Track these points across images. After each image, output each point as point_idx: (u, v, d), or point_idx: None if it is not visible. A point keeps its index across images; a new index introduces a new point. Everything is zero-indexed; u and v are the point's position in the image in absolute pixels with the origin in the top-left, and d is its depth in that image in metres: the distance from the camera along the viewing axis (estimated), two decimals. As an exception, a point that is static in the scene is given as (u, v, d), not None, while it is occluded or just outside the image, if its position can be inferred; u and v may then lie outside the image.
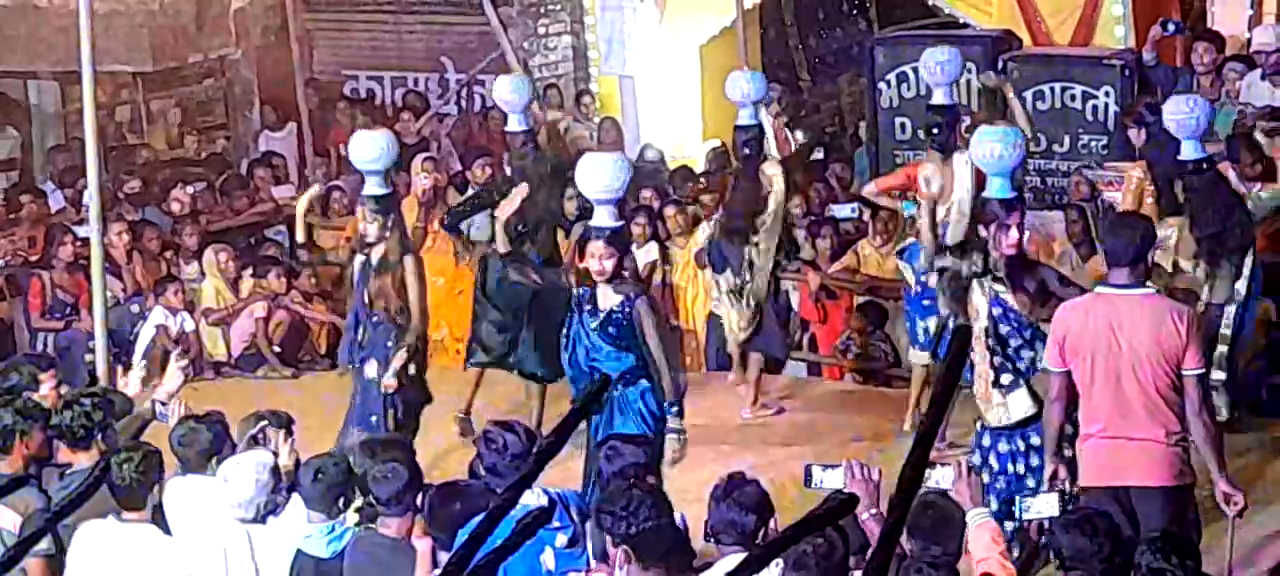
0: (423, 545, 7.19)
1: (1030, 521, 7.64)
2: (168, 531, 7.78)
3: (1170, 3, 15.03)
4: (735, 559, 6.41)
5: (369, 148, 10.24)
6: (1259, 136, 11.91)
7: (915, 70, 14.12)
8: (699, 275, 12.85)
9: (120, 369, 10.86)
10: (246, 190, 15.66)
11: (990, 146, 9.02)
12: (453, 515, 6.95)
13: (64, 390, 9.03)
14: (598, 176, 9.11)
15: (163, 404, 8.67)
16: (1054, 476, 8.07)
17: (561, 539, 6.98)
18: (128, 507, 7.57)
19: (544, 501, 6.94)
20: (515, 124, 11.44)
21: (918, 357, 11.27)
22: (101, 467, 7.58)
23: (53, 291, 13.52)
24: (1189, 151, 10.05)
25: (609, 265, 8.92)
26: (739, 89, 11.75)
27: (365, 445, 8.00)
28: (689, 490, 8.29)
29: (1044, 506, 7.05)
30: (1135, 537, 6.76)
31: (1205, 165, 10.17)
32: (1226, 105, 13.22)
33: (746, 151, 11.63)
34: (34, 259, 14.03)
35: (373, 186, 10.20)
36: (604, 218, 9.07)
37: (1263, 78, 13.10)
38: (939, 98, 11.08)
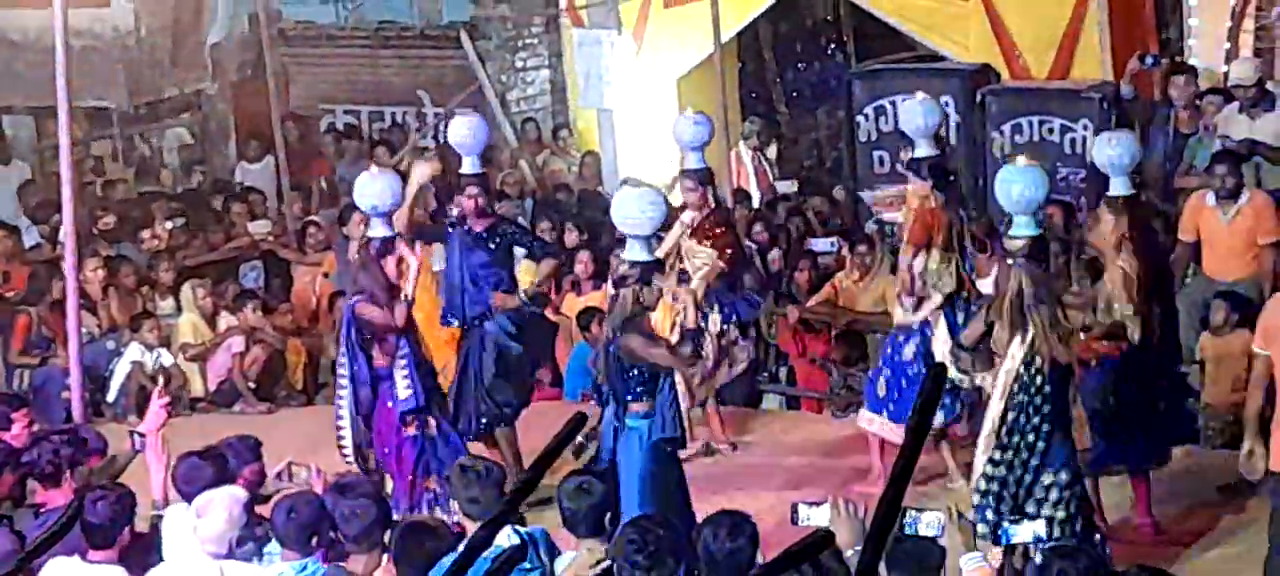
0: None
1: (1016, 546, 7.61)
2: (160, 560, 7.73)
3: (1148, 36, 15.06)
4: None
5: (371, 188, 10.37)
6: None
7: (893, 104, 14.14)
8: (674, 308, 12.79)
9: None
10: (222, 225, 15.62)
11: (1016, 184, 9.00)
12: (422, 554, 6.89)
13: (36, 428, 8.97)
14: (631, 209, 9.20)
15: (142, 435, 8.62)
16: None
17: (531, 582, 6.95)
18: (95, 547, 7.51)
19: (516, 541, 6.89)
20: (469, 166, 11.16)
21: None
22: (76, 507, 7.52)
23: (37, 328, 13.46)
24: (1118, 188, 9.86)
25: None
26: (686, 132, 11.67)
27: (335, 485, 7.95)
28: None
29: (1028, 531, 7.00)
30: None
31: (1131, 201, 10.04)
32: (1204, 138, 13.24)
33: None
34: (9, 295, 13.97)
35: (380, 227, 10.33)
36: (638, 252, 9.15)
37: (1240, 111, 13.12)
38: (923, 149, 10.73)
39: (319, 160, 17.35)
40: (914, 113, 10.88)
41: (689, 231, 11.48)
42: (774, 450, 11.83)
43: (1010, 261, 9.01)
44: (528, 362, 11.53)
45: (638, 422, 9.10)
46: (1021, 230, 8.99)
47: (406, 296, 10.30)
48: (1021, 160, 9.40)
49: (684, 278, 11.41)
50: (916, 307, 10.58)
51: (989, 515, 8.98)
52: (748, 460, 11.66)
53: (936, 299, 10.54)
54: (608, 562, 6.57)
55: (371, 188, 10.39)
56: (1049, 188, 9.24)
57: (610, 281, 10.46)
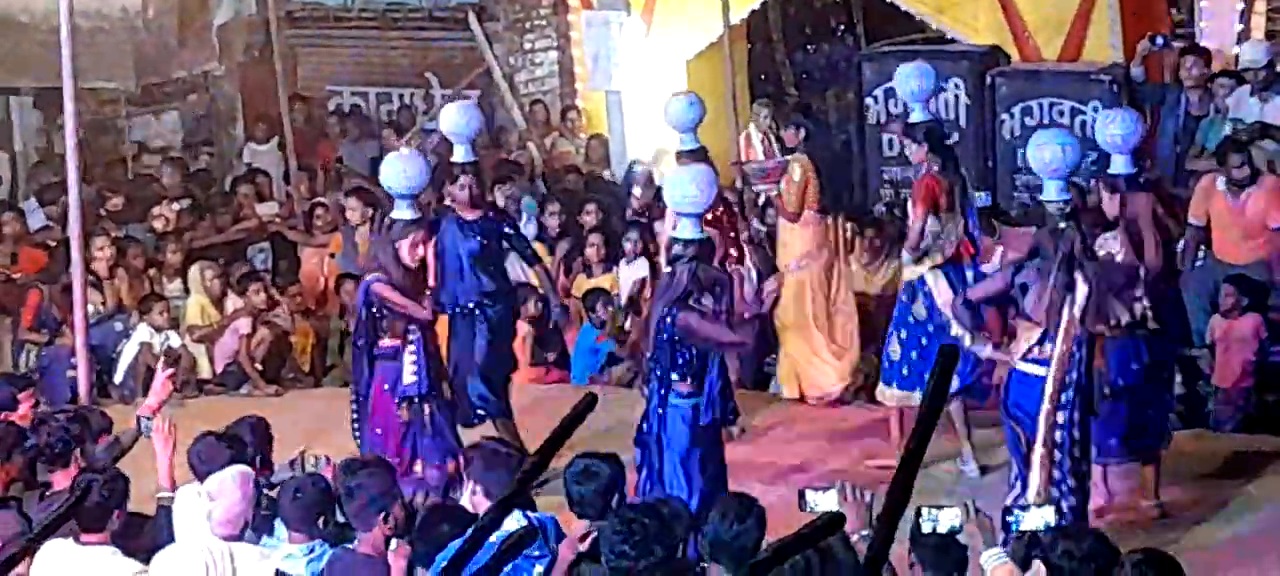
0: (397, 562, 7.14)
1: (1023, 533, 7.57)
2: (171, 540, 7.73)
3: (1159, 18, 15.02)
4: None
5: (397, 170, 10.40)
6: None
7: (903, 85, 14.11)
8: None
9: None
10: (230, 207, 15.61)
11: (1046, 151, 9.13)
12: (441, 536, 6.89)
13: (40, 408, 8.97)
14: (684, 188, 9.27)
15: (148, 418, 8.61)
16: None
17: (537, 570, 6.91)
18: (87, 529, 7.51)
19: (524, 525, 6.87)
20: (461, 155, 11.03)
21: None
22: (82, 487, 7.51)
23: (48, 306, 13.46)
24: (1118, 167, 9.91)
25: None
26: (678, 114, 11.67)
27: (343, 463, 7.95)
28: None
29: (1038, 518, 6.95)
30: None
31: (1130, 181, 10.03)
32: (1215, 120, 13.21)
33: None
34: (16, 276, 13.98)
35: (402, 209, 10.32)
36: (690, 230, 9.20)
37: (1252, 94, 13.08)
38: (918, 115, 10.94)
39: (324, 142, 17.34)
40: (909, 77, 11.07)
41: None
42: (782, 433, 11.80)
43: (1060, 225, 9.08)
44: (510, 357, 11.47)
45: (681, 402, 9.13)
46: (1054, 195, 9.12)
47: (431, 286, 10.34)
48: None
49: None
50: (917, 261, 10.68)
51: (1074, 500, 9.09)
52: (755, 443, 11.63)
53: (937, 257, 10.64)
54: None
55: (397, 169, 10.40)
56: (1081, 155, 9.33)
57: (663, 259, 10.37)
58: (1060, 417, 9.06)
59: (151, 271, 14.09)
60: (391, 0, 18.18)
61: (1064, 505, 8.97)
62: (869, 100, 14.51)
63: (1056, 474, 9.08)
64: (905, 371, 10.84)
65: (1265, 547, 9.63)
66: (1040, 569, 6.62)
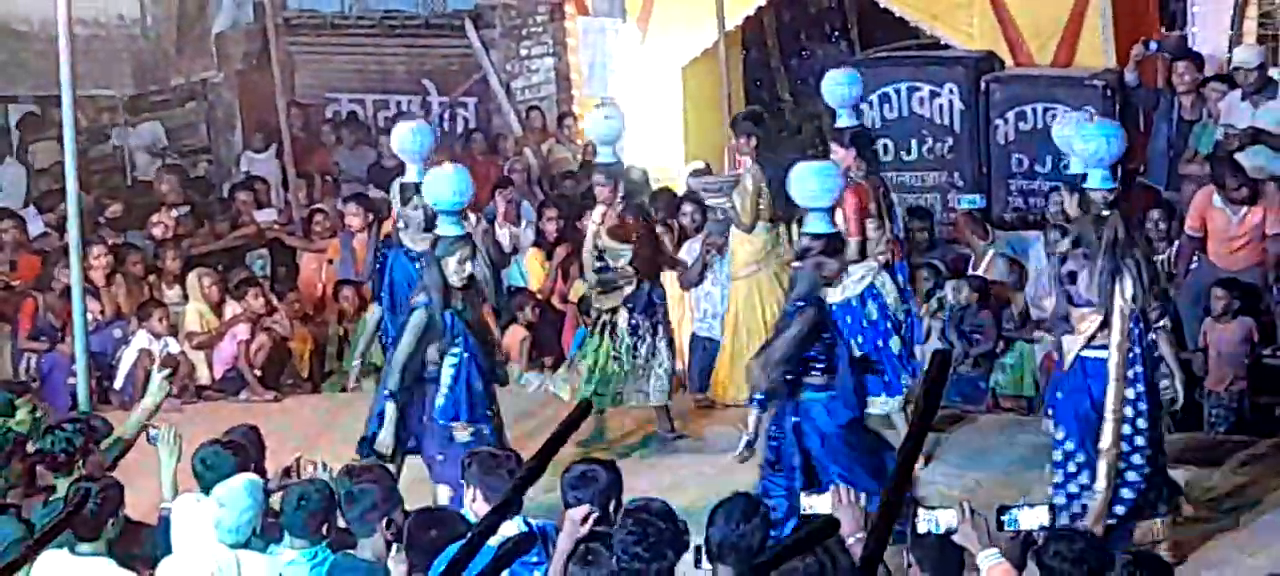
0: (399, 570, 7.18)
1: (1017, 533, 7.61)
2: (169, 551, 7.76)
3: (1152, 23, 15.07)
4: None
5: (444, 185, 10.04)
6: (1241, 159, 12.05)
7: (897, 91, 14.17)
8: (683, 297, 12.82)
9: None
10: (228, 214, 15.64)
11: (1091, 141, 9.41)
12: (430, 541, 6.93)
13: (39, 415, 9.01)
14: (812, 184, 9.48)
15: (152, 427, 8.66)
16: None
17: (536, 576, 6.97)
18: (83, 538, 7.54)
19: (523, 531, 6.92)
20: (414, 175, 10.67)
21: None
22: (81, 494, 7.55)
23: (44, 314, 13.48)
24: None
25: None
26: (597, 127, 11.79)
27: (344, 469, 8.00)
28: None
29: (1033, 518, 6.97)
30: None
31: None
32: (1209, 124, 13.26)
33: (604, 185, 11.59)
34: (15, 283, 14.00)
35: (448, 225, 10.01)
36: (818, 225, 9.42)
37: (1243, 99, 13.11)
38: (845, 120, 11.20)
39: (322, 149, 17.37)
40: (835, 83, 11.38)
41: (604, 229, 11.49)
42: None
43: (1103, 212, 9.32)
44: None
45: (816, 395, 9.28)
46: (1098, 183, 9.36)
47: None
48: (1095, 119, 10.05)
49: (607, 271, 11.43)
50: (861, 277, 10.94)
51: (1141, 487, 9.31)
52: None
53: (873, 264, 10.93)
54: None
55: (446, 183, 10.04)
56: (1124, 143, 9.57)
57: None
58: (1129, 411, 9.27)
59: (150, 278, 14.11)
60: (389, 7, 18.22)
61: (1129, 485, 9.27)
62: (864, 106, 14.51)
63: (1121, 464, 9.28)
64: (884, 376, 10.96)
65: (1258, 548, 9.68)
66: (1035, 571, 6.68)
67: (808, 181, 9.55)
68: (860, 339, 10.93)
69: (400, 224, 10.87)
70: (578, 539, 6.61)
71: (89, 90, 15.52)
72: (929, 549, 6.64)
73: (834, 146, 11.25)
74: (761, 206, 11.81)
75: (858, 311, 10.98)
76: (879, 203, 11.11)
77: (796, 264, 9.64)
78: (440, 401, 9.97)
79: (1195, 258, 12.51)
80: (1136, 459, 9.33)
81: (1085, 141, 9.51)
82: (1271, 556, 9.39)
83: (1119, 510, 9.32)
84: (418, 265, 10.42)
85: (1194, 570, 9.34)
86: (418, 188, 10.51)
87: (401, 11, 18.20)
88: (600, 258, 11.51)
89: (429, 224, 10.40)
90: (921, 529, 6.53)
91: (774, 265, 11.89)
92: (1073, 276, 9.42)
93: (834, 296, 10.79)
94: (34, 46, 15.70)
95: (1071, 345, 9.50)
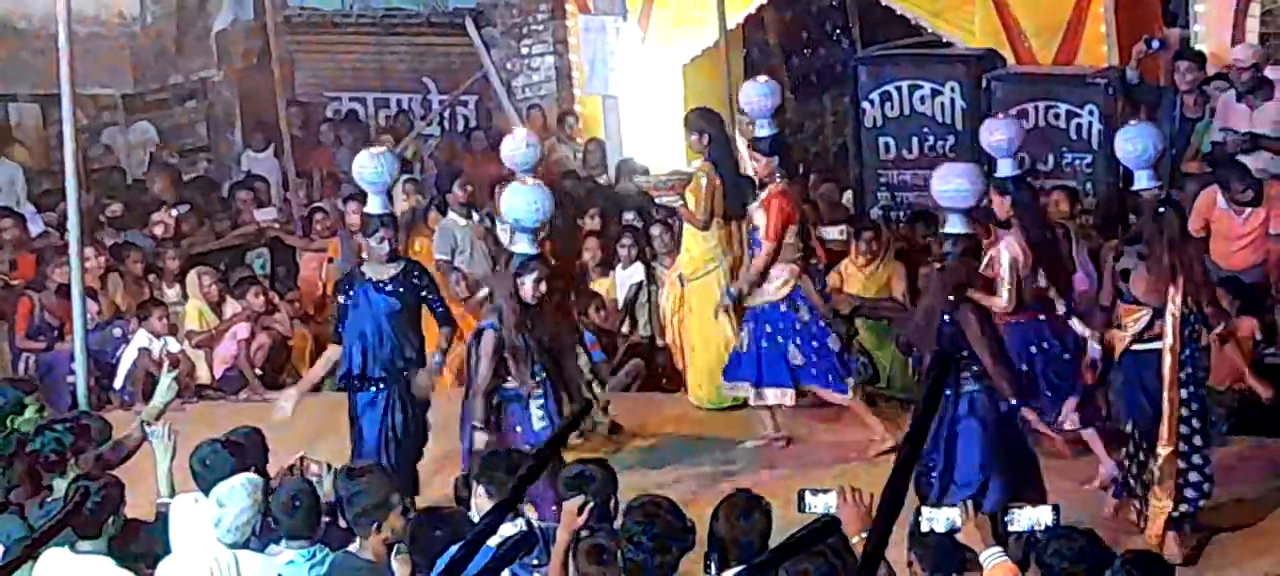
0: (401, 569, 7.17)
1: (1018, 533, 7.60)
2: (168, 551, 7.75)
3: (1154, 21, 15.05)
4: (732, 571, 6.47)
5: (523, 202, 10.08)
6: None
7: (899, 89, 14.14)
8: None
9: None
10: (228, 213, 15.64)
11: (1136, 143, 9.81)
12: (434, 541, 6.92)
13: (46, 415, 9.01)
14: (957, 182, 9.55)
15: (148, 423, 8.65)
16: None
17: (538, 577, 6.98)
18: (83, 536, 7.53)
19: (523, 530, 6.91)
20: (376, 206, 10.27)
21: None
22: (79, 494, 7.53)
23: (41, 313, 13.47)
24: (1004, 170, 10.62)
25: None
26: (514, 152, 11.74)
27: (344, 468, 7.99)
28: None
29: (1033, 517, 6.94)
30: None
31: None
32: (1210, 123, 13.24)
33: None
34: (15, 282, 13.99)
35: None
36: (959, 226, 9.50)
37: (1239, 99, 13.08)
38: (764, 130, 11.34)
39: (320, 149, 17.37)
40: (752, 93, 11.55)
41: None
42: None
43: (1160, 210, 9.65)
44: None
45: (972, 387, 9.35)
46: (1146, 183, 9.78)
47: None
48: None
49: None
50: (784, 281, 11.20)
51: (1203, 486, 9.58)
52: (754, 446, 11.67)
53: (795, 269, 11.19)
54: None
55: (525, 200, 10.00)
56: (1165, 145, 10.01)
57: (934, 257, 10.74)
58: (1184, 411, 9.48)
59: (150, 277, 14.11)
60: (389, 6, 18.22)
61: (1192, 486, 9.51)
62: (865, 104, 14.51)
63: (1181, 461, 9.50)
64: (814, 371, 11.22)
65: (1260, 548, 9.67)
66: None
67: (954, 180, 9.60)
68: (798, 341, 11.17)
69: (364, 255, 10.53)
70: (574, 531, 6.61)
71: (89, 89, 15.51)
72: (929, 548, 6.63)
73: (752, 155, 11.42)
74: (716, 203, 11.83)
75: (790, 316, 11.19)
76: (803, 211, 11.51)
77: (936, 266, 9.94)
78: (539, 426, 9.71)
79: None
80: (1197, 459, 9.58)
81: (1128, 143, 9.90)
82: (1276, 556, 9.38)
83: (1184, 509, 9.56)
84: (388, 294, 10.18)
85: (1199, 570, 9.32)
86: (382, 219, 10.22)
87: (402, 9, 18.22)
88: None
89: (393, 257, 10.25)
90: (924, 527, 6.52)
91: (727, 263, 11.93)
92: (1126, 274, 9.66)
93: (755, 300, 10.98)
94: (33, 45, 15.71)
95: (1119, 340, 9.74)
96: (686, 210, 11.86)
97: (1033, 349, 10.40)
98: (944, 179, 9.70)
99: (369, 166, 10.24)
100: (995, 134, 10.76)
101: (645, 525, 6.40)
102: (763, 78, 11.93)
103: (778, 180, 11.24)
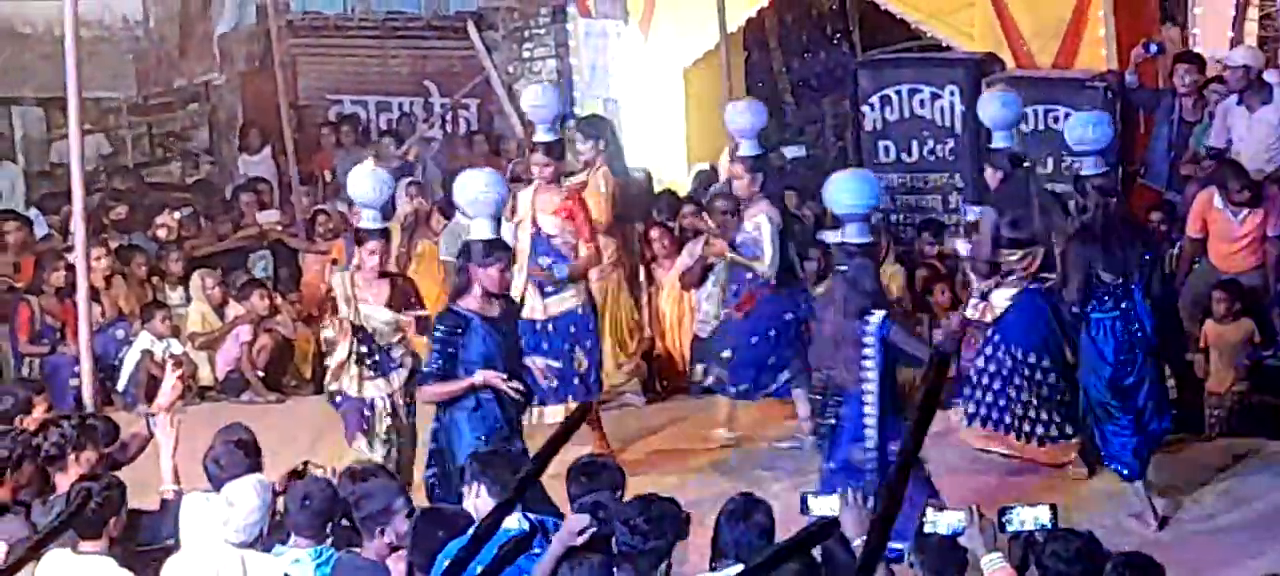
0: (397, 567, 7.23)
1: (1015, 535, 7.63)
2: (173, 534, 7.79)
3: (1153, 25, 15.09)
4: (733, 569, 6.52)
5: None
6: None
7: (899, 93, 14.18)
8: (684, 297, 12.87)
9: None
10: (231, 215, 15.68)
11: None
12: (435, 541, 6.97)
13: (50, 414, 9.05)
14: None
15: (151, 415, 8.68)
16: None
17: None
18: (84, 537, 7.56)
19: (526, 526, 6.96)
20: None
21: None
22: (82, 494, 7.57)
23: (41, 317, 13.50)
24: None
25: None
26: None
27: (348, 470, 8.03)
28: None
29: (1031, 517, 6.96)
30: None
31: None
32: (1209, 125, 13.27)
33: None
34: (20, 285, 14.02)
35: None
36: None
37: (1239, 102, 13.10)
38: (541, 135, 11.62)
39: (321, 152, 17.40)
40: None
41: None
42: (783, 439, 11.87)
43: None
44: None
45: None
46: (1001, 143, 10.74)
47: None
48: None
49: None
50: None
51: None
52: (756, 448, 11.71)
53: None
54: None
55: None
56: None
57: None
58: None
59: (154, 280, 14.15)
60: (391, 9, 18.26)
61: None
62: (865, 108, 14.56)
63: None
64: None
65: (1259, 550, 9.71)
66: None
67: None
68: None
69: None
70: (569, 547, 6.63)
71: (93, 93, 15.55)
72: (931, 550, 6.66)
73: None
74: (615, 206, 12.03)
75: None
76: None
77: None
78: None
79: (1196, 259, 12.54)
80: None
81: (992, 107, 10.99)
82: (1272, 558, 9.42)
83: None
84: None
85: (1195, 570, 9.37)
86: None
87: (404, 13, 18.24)
88: None
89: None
90: (926, 529, 6.54)
91: (627, 265, 12.04)
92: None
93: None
94: (38, 49, 15.74)
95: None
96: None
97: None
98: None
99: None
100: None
101: (640, 507, 6.44)
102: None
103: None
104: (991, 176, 11.19)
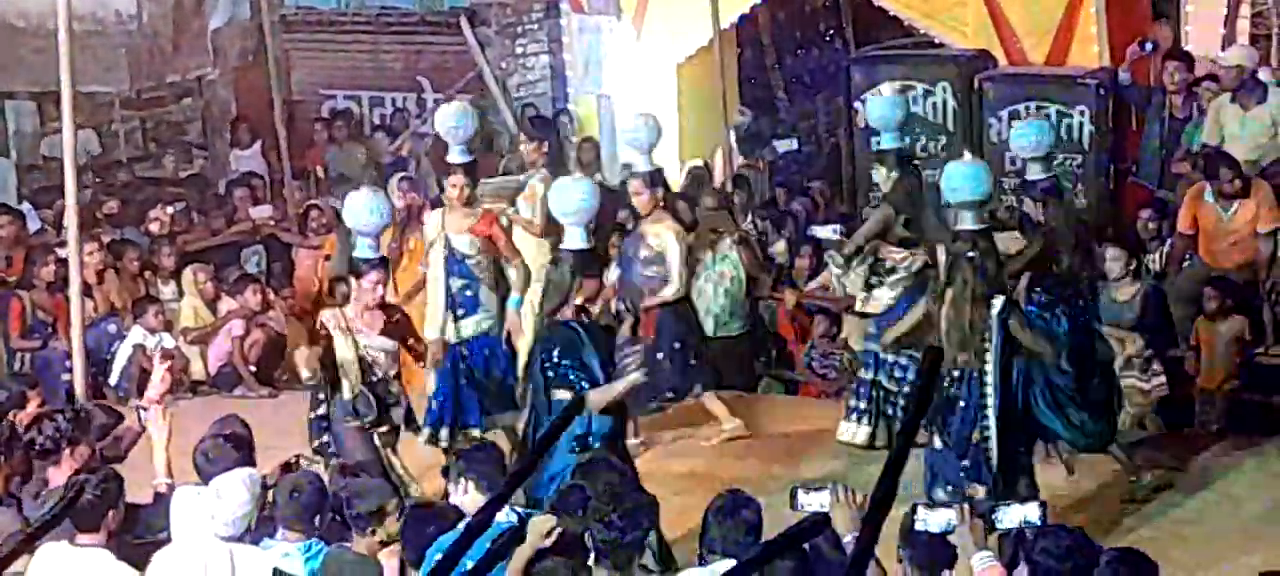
0: (390, 562, 7.24)
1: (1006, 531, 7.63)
2: (166, 527, 7.80)
3: (1146, 22, 15.11)
4: (723, 565, 6.50)
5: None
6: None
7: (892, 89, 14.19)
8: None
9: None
10: (224, 210, 15.68)
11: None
12: (425, 537, 6.98)
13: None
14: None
15: (143, 408, 8.69)
16: None
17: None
18: (82, 530, 7.56)
19: (515, 520, 6.97)
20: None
21: None
22: (76, 487, 7.57)
23: (33, 311, 13.50)
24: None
25: None
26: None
27: (341, 466, 8.04)
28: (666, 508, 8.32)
29: (1020, 515, 6.96)
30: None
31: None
32: (1200, 122, 13.29)
33: None
34: (11, 279, 14.02)
35: None
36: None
37: (1233, 100, 13.13)
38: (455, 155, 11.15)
39: (313, 147, 17.41)
40: (450, 116, 11.28)
41: None
42: (773, 434, 11.89)
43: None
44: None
45: None
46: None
47: None
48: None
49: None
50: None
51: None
52: (747, 445, 11.73)
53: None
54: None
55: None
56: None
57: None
58: None
59: (146, 274, 14.15)
60: (384, 5, 18.27)
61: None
62: (857, 104, 14.58)
63: None
64: None
65: (1251, 547, 9.73)
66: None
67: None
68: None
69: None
70: (538, 549, 6.59)
71: (86, 87, 15.54)
72: (920, 547, 6.67)
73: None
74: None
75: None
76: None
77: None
78: None
79: (1187, 256, 12.56)
80: None
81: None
82: (1266, 555, 9.43)
83: None
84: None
85: (1190, 569, 9.39)
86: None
87: (397, 8, 18.26)
88: None
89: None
90: (918, 527, 6.54)
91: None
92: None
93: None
94: (31, 43, 15.73)
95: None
96: (520, 218, 11.83)
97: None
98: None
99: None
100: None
101: (613, 504, 6.44)
102: (457, 103, 11.69)
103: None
104: (883, 177, 11.30)
